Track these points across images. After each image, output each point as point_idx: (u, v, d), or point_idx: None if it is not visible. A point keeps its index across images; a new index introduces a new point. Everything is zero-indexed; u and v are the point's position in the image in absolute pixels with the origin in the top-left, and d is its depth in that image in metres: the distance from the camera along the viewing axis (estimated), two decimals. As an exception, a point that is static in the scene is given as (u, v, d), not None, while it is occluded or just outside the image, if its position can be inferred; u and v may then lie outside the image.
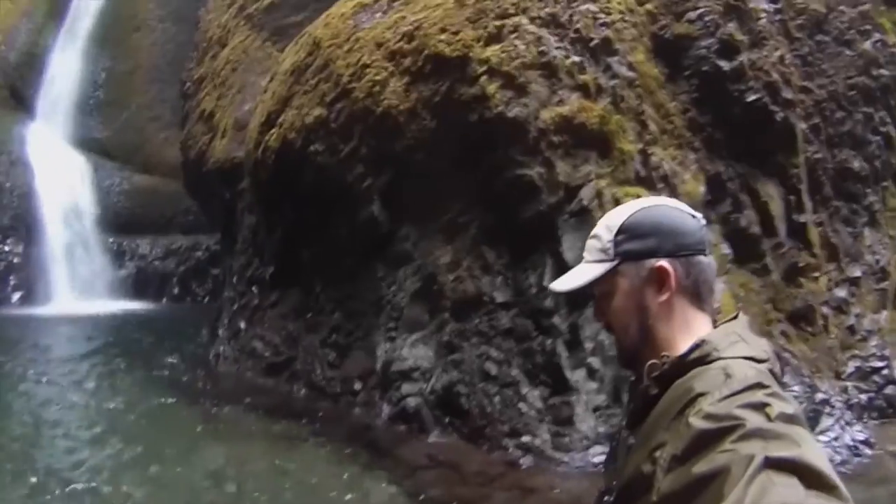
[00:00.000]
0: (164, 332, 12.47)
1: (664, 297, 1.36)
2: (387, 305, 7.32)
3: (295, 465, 6.30)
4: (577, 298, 6.40)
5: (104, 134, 18.27)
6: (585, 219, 6.47)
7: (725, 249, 7.34)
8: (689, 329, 1.35)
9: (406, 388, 6.92)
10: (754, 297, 7.49)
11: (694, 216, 1.40)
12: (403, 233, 7.41)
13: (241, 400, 8.00)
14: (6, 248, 16.19)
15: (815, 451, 1.03)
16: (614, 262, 1.39)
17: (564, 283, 1.48)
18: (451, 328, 6.97)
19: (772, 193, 7.71)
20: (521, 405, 6.51)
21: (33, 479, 5.84)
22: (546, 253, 6.59)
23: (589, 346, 6.33)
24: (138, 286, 16.82)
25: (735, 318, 1.38)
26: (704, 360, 1.24)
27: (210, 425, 7.33)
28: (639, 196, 6.84)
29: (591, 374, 6.30)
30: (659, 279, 1.36)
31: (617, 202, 6.56)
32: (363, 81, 7.57)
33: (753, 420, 1.05)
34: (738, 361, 1.21)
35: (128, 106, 18.44)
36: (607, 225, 1.43)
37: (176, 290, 17.04)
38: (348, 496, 5.58)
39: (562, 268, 6.19)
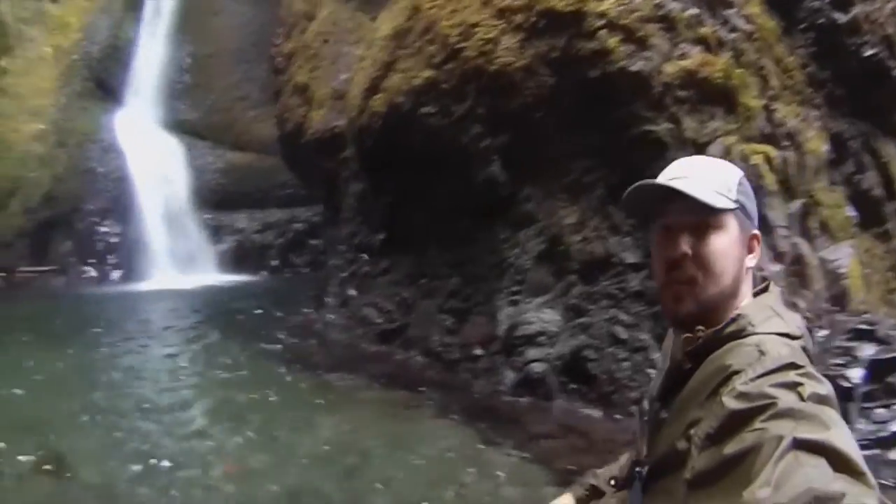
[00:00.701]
0: (267, 302, 12.32)
1: (751, 263, 1.31)
2: (509, 268, 6.92)
3: (415, 436, 5.93)
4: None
5: (193, 116, 18.22)
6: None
7: (850, 212, 6.78)
8: (736, 304, 1.29)
9: (531, 353, 6.52)
10: (877, 263, 6.93)
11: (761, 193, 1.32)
12: (525, 193, 6.97)
13: (355, 368, 7.71)
14: (104, 230, 16.34)
15: (845, 435, 1.00)
16: (734, 206, 1.29)
17: (684, 184, 1.29)
18: (578, 291, 6.55)
19: (892, 154, 7.11)
20: (651, 371, 6.05)
21: (145, 447, 5.64)
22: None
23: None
24: (237, 259, 16.83)
25: (766, 289, 1.33)
26: (739, 335, 1.19)
27: (326, 395, 7.03)
28: (767, 154, 6.34)
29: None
30: (751, 245, 1.32)
31: (745, 160, 6.09)
32: (473, 41, 7.12)
33: (786, 399, 1.02)
34: (772, 338, 1.16)
35: (214, 88, 18.35)
36: (728, 169, 1.34)
37: (275, 262, 16.97)
38: (471, 468, 5.16)
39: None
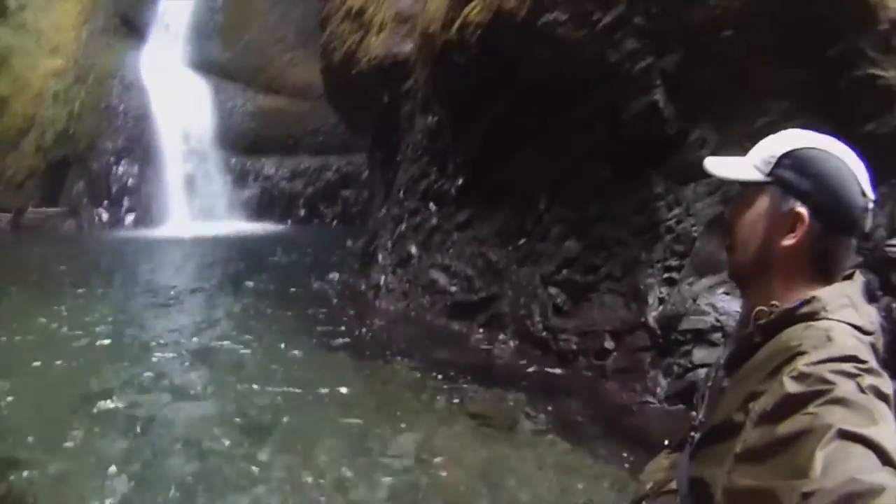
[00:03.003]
0: (296, 256, 9.80)
1: (788, 242, 1.11)
2: (665, 234, 4.43)
3: (515, 460, 3.56)
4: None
5: (224, 56, 15.62)
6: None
7: None
8: (799, 287, 1.10)
9: (700, 354, 4.06)
10: None
11: (865, 195, 1.08)
12: (697, 136, 4.49)
13: (418, 352, 5.23)
14: (120, 170, 13.83)
15: (891, 432, 0.87)
16: (766, 180, 1.14)
17: (716, 167, 1.23)
18: None
19: None
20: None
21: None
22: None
23: None
24: (262, 207, 14.31)
25: (850, 277, 1.13)
26: (812, 317, 1.04)
27: (384, 396, 4.56)
28: None
29: None
30: (791, 223, 1.11)
31: None
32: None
33: (843, 387, 0.91)
34: (842, 326, 1.02)
35: (249, 28, 15.69)
36: (781, 141, 1.15)
37: (302, 212, 14.38)
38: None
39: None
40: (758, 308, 1.12)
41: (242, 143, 14.48)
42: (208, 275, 8.61)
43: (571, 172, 5.07)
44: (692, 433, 1.21)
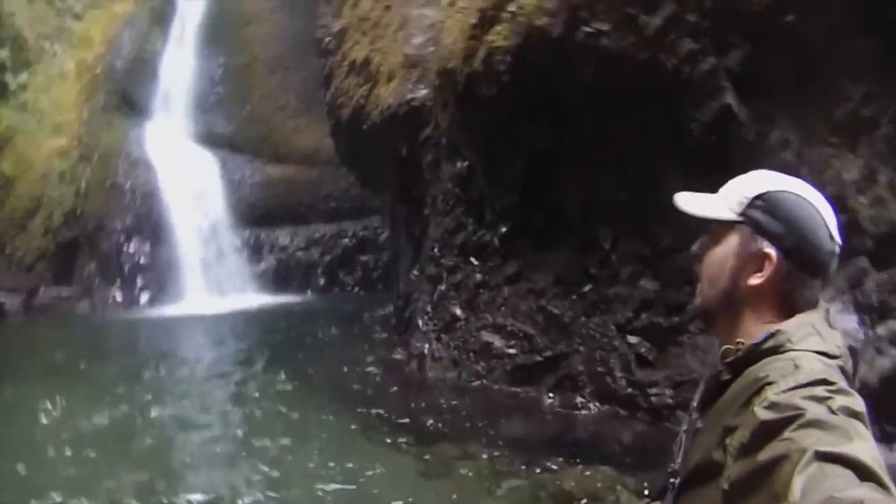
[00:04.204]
0: (321, 328, 9.02)
1: (755, 281, 1.11)
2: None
3: None
4: None
5: (228, 128, 15.17)
6: None
7: None
8: (765, 323, 1.10)
9: None
10: None
11: (833, 238, 1.10)
12: (777, 137, 3.80)
13: (485, 428, 4.44)
14: (131, 249, 13.19)
15: (869, 448, 0.88)
16: (737, 219, 1.14)
17: (687, 204, 1.21)
18: (875, 282, 3.38)
19: None
20: None
21: None
22: None
23: None
24: (280, 279, 13.59)
25: (814, 308, 1.13)
26: (777, 350, 1.04)
27: (458, 486, 3.77)
28: None
29: None
30: (759, 263, 1.11)
31: None
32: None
33: (814, 411, 0.91)
34: (808, 355, 1.02)
35: (250, 98, 15.28)
36: (754, 181, 1.16)
37: (322, 281, 13.66)
38: None
39: None
40: (725, 347, 1.13)
41: (254, 214, 13.88)
42: (231, 356, 7.81)
43: (636, 200, 4.35)
44: (671, 479, 1.20)
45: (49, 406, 5.23)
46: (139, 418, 5.06)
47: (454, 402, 4.99)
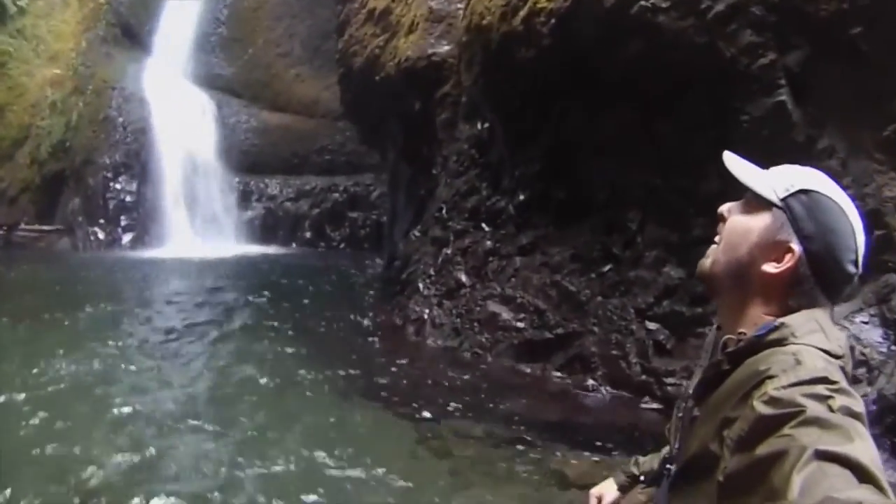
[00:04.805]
0: (310, 282, 8.70)
1: (770, 269, 1.06)
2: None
3: None
4: None
5: (228, 70, 14.71)
6: None
7: None
8: (770, 316, 1.06)
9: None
10: None
11: (857, 265, 1.06)
12: (825, 144, 3.58)
13: (486, 403, 4.18)
14: (117, 187, 12.75)
15: (868, 449, 0.86)
16: (776, 203, 1.08)
17: (734, 165, 1.17)
18: None
19: None
20: None
21: None
22: None
23: None
24: (266, 229, 13.25)
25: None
26: (780, 343, 1.01)
27: (454, 465, 3.49)
28: None
29: None
30: (780, 254, 1.06)
31: None
32: None
33: (814, 409, 0.89)
34: (810, 350, 0.99)
35: (254, 42, 14.78)
36: (808, 175, 1.10)
37: (308, 235, 13.32)
38: None
39: None
40: (726, 337, 1.11)
41: (246, 161, 13.49)
42: (217, 306, 7.31)
43: (671, 186, 4.10)
44: (667, 465, 1.18)
45: (14, 359, 4.86)
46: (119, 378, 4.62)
47: (452, 374, 4.73)
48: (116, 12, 14.65)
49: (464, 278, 5.28)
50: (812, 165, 3.24)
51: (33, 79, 13.86)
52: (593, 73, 4.42)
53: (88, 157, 12.80)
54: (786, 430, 0.88)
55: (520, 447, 3.71)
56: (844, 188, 2.90)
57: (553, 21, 4.51)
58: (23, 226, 12.94)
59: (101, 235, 12.58)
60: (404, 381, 4.66)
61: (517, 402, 4.20)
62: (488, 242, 5.21)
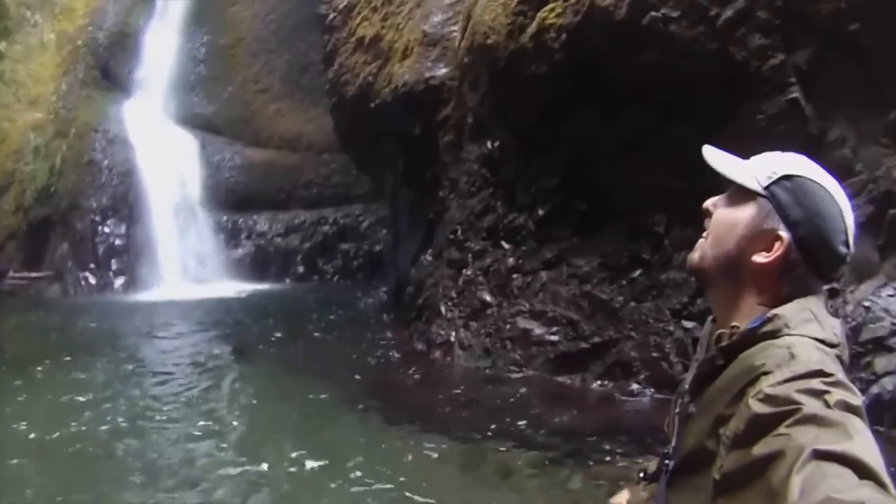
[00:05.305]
0: (312, 315, 8.62)
1: (760, 259, 1.05)
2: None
3: None
4: None
5: (209, 109, 14.63)
6: None
7: None
8: (763, 307, 1.04)
9: (881, 363, 3.38)
10: None
11: (848, 246, 1.04)
12: (836, 135, 3.70)
13: (531, 419, 4.16)
14: (106, 230, 12.56)
15: (868, 445, 0.84)
16: (760, 192, 1.07)
17: (714, 159, 1.14)
18: None
19: None
20: None
21: None
22: None
23: None
24: (257, 266, 13.10)
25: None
26: (774, 335, 0.99)
27: (511, 487, 3.48)
28: None
29: None
30: (768, 243, 1.04)
31: None
32: None
33: (811, 406, 0.86)
34: (805, 341, 0.97)
35: (232, 80, 14.75)
36: (789, 161, 1.09)
37: (301, 269, 13.21)
38: None
39: None
40: (719, 331, 1.07)
41: (233, 198, 13.39)
42: (219, 345, 7.11)
43: (693, 187, 4.16)
44: (665, 461, 1.16)
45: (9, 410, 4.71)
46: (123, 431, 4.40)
47: (490, 393, 4.70)
48: (95, 54, 14.54)
49: (488, 298, 5.28)
50: (826, 156, 3.34)
51: (14, 124, 13.71)
52: (606, 83, 4.49)
53: (74, 201, 12.61)
54: (782, 429, 0.87)
55: (577, 458, 3.70)
56: (857, 174, 3.01)
57: (564, 36, 4.59)
58: (11, 273, 12.70)
59: (92, 280, 12.36)
60: (444, 404, 4.63)
61: (563, 414, 4.19)
62: (510, 260, 5.23)
